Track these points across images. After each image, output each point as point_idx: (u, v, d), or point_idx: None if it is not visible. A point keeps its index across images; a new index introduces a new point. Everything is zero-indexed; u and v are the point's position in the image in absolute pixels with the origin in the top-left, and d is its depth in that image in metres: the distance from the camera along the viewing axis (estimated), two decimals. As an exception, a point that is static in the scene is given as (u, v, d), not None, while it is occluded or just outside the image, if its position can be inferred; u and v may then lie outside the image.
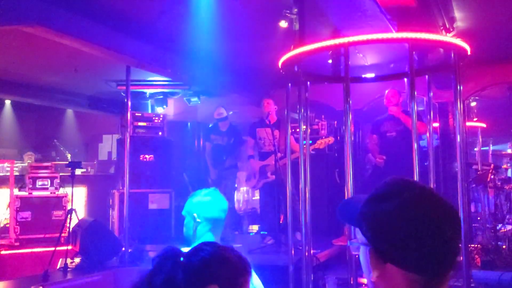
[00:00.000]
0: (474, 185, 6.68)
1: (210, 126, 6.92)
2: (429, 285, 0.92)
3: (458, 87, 3.85)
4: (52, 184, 6.78)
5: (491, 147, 9.69)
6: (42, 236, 6.28)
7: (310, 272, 4.02)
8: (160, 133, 7.59)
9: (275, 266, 4.88)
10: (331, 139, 5.87)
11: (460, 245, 0.95)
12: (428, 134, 4.35)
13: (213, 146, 6.68)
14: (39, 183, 6.71)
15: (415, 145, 3.65)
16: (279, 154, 5.60)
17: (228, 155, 6.57)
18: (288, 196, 4.35)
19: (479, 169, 6.81)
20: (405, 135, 5.31)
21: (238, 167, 6.62)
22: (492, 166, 6.42)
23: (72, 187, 5.34)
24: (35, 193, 6.66)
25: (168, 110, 8.73)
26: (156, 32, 5.50)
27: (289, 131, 4.36)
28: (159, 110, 8.53)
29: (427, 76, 4.34)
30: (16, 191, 6.63)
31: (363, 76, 5.66)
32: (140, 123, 7.44)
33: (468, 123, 7.71)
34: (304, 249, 4.01)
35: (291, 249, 4.19)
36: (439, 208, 0.94)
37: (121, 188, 6.75)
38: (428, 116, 4.31)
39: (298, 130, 4.21)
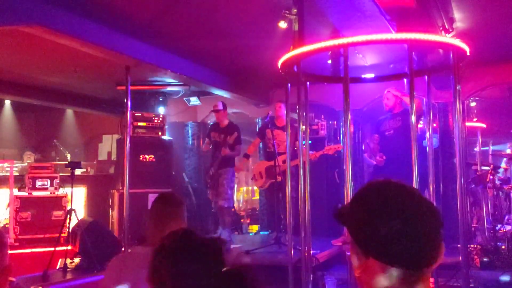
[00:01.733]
0: (473, 186, 6.68)
1: (212, 123, 6.93)
2: (407, 278, 0.97)
3: (457, 88, 3.86)
4: (51, 184, 6.78)
5: (491, 147, 9.70)
6: (41, 236, 6.29)
7: (310, 272, 4.03)
8: (160, 133, 7.60)
9: (274, 266, 4.88)
10: (340, 146, 5.87)
11: (436, 240, 0.98)
12: (428, 135, 4.35)
13: (213, 144, 6.65)
14: (38, 183, 6.71)
15: (415, 145, 3.65)
16: (284, 156, 5.72)
17: None
18: (288, 196, 4.36)
19: (479, 169, 6.82)
20: (403, 132, 5.30)
21: (234, 165, 6.58)
22: (491, 166, 6.43)
23: (72, 187, 5.34)
24: (35, 193, 6.67)
25: (168, 111, 8.74)
26: (156, 32, 5.51)
27: (289, 131, 4.36)
28: (159, 110, 8.54)
29: (426, 77, 4.34)
30: (15, 191, 6.64)
31: (363, 76, 5.67)
32: (140, 123, 7.46)
33: (468, 124, 7.71)
34: (304, 249, 4.01)
35: (290, 250, 4.19)
36: (413, 204, 0.99)
37: (120, 188, 6.75)
38: (428, 117, 4.32)
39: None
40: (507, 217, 6.39)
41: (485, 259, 5.23)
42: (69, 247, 5.13)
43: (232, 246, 5.87)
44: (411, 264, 0.96)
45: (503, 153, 8.63)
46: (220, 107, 6.54)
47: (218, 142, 6.46)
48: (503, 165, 8.28)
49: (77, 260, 5.05)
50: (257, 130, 7.02)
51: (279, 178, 5.79)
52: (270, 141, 6.08)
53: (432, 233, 0.97)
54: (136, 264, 2.14)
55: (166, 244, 1.34)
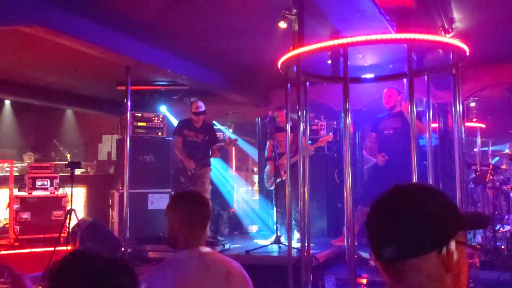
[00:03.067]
0: (473, 186, 6.68)
1: (183, 120, 6.82)
2: (388, 269, 1.05)
3: (457, 88, 3.87)
4: (51, 184, 6.78)
5: (491, 148, 9.70)
6: (41, 236, 6.29)
7: (309, 272, 4.03)
8: (159, 133, 7.60)
9: (274, 266, 4.89)
10: (330, 136, 6.50)
11: (402, 234, 1.03)
12: (427, 135, 4.36)
13: (187, 142, 6.58)
14: (38, 183, 6.71)
15: (414, 145, 3.65)
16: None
17: (204, 152, 6.44)
18: (287, 196, 4.36)
19: (478, 169, 6.82)
20: (402, 133, 5.31)
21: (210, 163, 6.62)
22: (491, 166, 6.43)
23: (72, 187, 5.35)
24: (35, 193, 6.67)
25: (168, 110, 8.74)
26: (156, 32, 5.51)
27: (288, 131, 4.36)
28: (159, 110, 8.53)
29: (426, 77, 4.35)
30: (15, 191, 6.64)
31: (363, 76, 5.68)
32: (140, 123, 7.46)
33: (468, 124, 7.71)
34: (303, 249, 4.02)
35: (290, 250, 4.20)
36: (387, 203, 1.08)
37: (120, 188, 6.76)
38: (428, 117, 4.33)
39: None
40: (506, 217, 6.40)
41: (485, 259, 5.24)
42: (69, 247, 5.14)
43: (232, 246, 5.88)
44: (383, 256, 1.04)
45: (502, 153, 8.64)
46: (204, 108, 6.51)
47: (196, 141, 6.44)
48: (493, 162, 8.31)
49: (77, 260, 5.05)
50: (268, 134, 6.92)
51: (284, 175, 5.86)
52: (278, 143, 6.23)
53: (387, 229, 1.04)
54: (177, 272, 2.06)
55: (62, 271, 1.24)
